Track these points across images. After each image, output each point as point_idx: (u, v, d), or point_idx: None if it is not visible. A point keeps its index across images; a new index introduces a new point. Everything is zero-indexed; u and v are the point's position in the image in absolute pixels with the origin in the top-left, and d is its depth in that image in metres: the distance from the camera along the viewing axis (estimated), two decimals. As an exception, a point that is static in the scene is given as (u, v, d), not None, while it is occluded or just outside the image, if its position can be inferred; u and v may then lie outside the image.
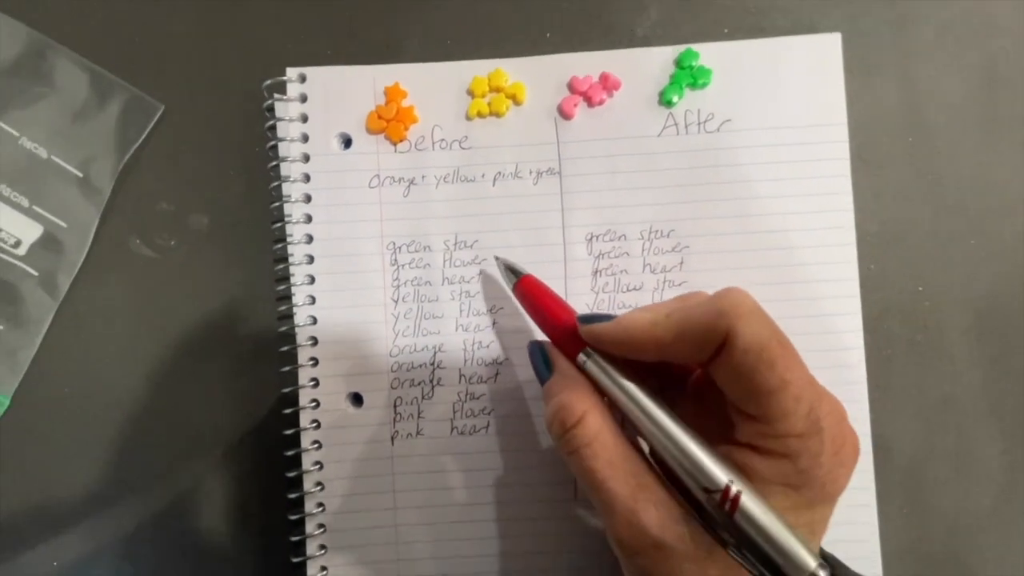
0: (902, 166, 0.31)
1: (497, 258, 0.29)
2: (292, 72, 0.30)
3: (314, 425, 0.30)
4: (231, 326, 0.31)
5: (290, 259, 0.30)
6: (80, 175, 0.31)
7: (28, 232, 0.31)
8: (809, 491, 0.20)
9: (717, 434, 0.22)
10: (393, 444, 0.30)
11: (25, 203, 0.31)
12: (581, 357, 0.24)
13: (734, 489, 0.20)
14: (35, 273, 0.31)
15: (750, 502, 0.19)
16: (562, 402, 0.22)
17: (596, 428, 0.22)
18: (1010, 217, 0.31)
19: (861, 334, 0.30)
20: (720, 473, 0.20)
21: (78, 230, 0.31)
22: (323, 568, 0.30)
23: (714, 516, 0.20)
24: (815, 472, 0.20)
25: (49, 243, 0.31)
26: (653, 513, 0.21)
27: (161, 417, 0.31)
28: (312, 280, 0.30)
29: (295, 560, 0.30)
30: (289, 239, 0.30)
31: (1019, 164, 0.31)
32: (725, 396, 0.21)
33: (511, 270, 0.28)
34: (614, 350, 0.23)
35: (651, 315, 0.22)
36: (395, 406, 0.30)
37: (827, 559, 0.21)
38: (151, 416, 0.31)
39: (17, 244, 0.31)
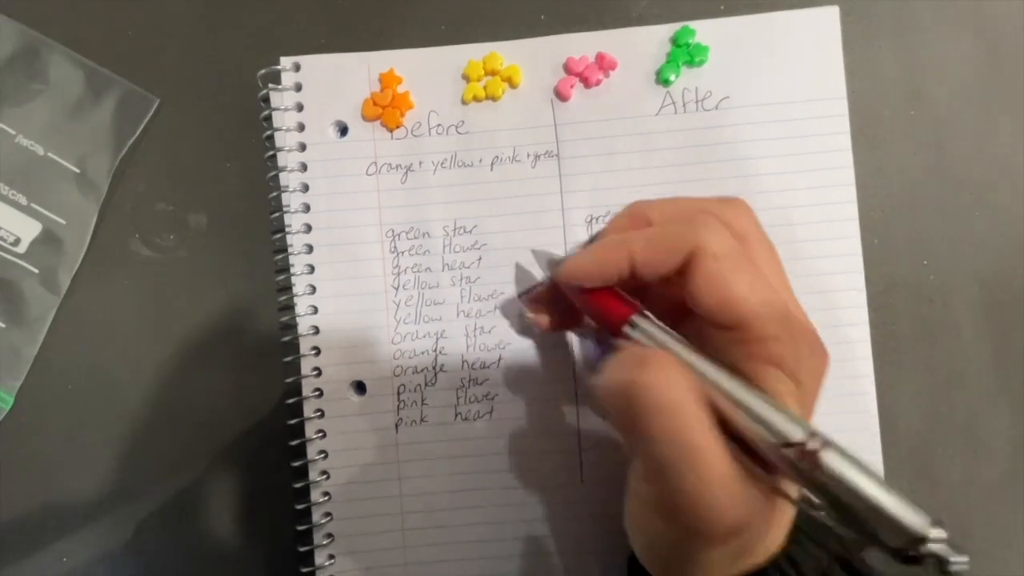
0: (904, 139, 0.31)
1: (535, 252, 0.29)
2: (286, 61, 0.30)
3: (318, 414, 0.30)
4: (233, 319, 0.31)
5: (289, 249, 0.30)
6: (77, 171, 0.31)
7: (27, 230, 0.31)
8: (801, 396, 0.20)
9: None
10: (397, 431, 0.30)
11: (23, 201, 0.31)
12: (626, 328, 0.22)
13: (817, 441, 0.17)
14: (35, 271, 0.31)
15: (835, 454, 0.17)
16: (641, 358, 0.20)
17: (686, 388, 0.19)
18: (1015, 188, 0.30)
19: (866, 310, 0.30)
20: (796, 424, 0.18)
21: (77, 226, 0.31)
22: (331, 557, 0.30)
23: (793, 473, 0.18)
24: (800, 377, 0.20)
25: (49, 240, 0.31)
26: (745, 478, 0.19)
27: (166, 411, 0.31)
28: (312, 270, 0.30)
29: (302, 549, 0.30)
30: (288, 229, 0.30)
31: (1019, 132, 0.30)
32: (695, 314, 0.21)
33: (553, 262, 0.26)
34: (588, 281, 0.22)
35: (619, 235, 0.22)
36: (398, 393, 0.30)
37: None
38: (156, 411, 0.31)
39: (16, 242, 0.31)
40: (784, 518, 0.21)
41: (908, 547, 0.16)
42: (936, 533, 0.16)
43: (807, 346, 0.20)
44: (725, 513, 0.18)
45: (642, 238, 0.21)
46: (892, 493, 0.17)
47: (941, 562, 0.15)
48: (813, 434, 0.18)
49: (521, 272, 0.30)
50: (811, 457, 0.17)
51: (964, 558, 0.15)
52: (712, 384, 0.20)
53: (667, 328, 0.21)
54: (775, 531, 0.21)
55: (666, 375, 0.19)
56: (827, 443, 0.18)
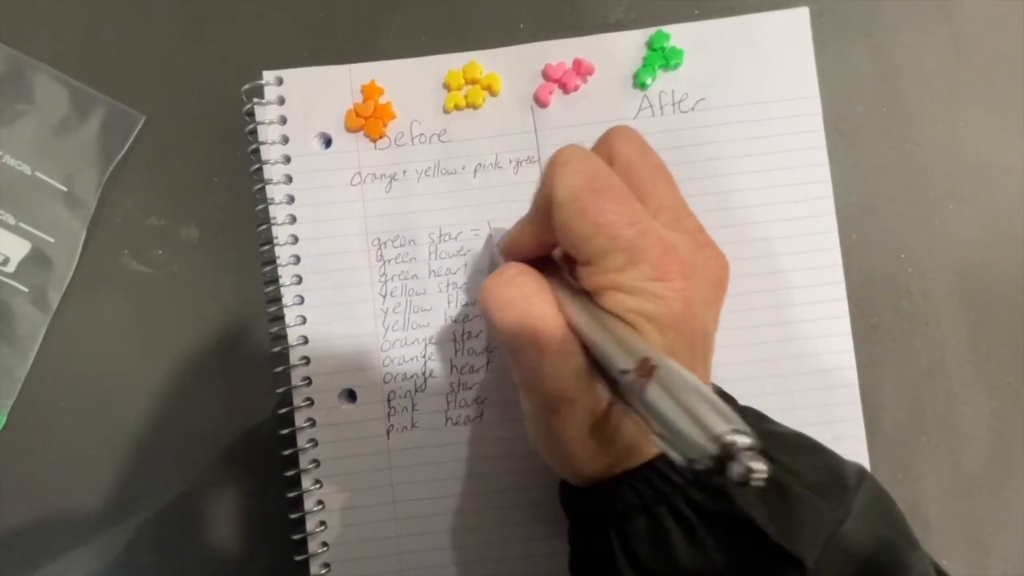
0: (878, 136, 0.31)
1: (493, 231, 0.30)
2: (269, 75, 0.31)
3: (309, 424, 0.30)
4: (224, 332, 0.31)
5: (277, 260, 0.30)
6: (65, 189, 0.32)
7: (16, 249, 0.32)
8: (674, 323, 0.21)
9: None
10: (389, 438, 0.30)
11: (11, 220, 0.32)
12: None
13: (648, 365, 0.18)
14: (25, 289, 0.32)
15: (655, 383, 0.18)
16: (506, 268, 0.23)
17: (538, 283, 0.23)
18: (986, 181, 0.31)
19: (846, 303, 0.30)
20: (628, 355, 0.19)
21: (66, 244, 0.32)
22: (326, 565, 0.30)
23: (629, 396, 0.19)
24: (654, 301, 0.20)
25: (38, 259, 0.32)
26: (581, 362, 0.21)
27: (159, 426, 0.31)
28: (300, 280, 0.30)
29: (298, 559, 0.30)
30: (275, 241, 0.30)
31: (990, 128, 0.31)
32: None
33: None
34: (519, 255, 0.25)
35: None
36: (389, 400, 0.30)
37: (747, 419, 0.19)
38: (149, 426, 0.31)
39: (5, 261, 0.31)
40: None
41: (710, 465, 0.15)
42: (720, 444, 0.15)
43: (656, 264, 0.21)
44: (560, 381, 0.21)
45: (529, 211, 0.24)
46: (698, 411, 0.16)
47: (747, 471, 0.14)
48: (645, 362, 0.18)
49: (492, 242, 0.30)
50: (640, 384, 0.18)
51: (763, 467, 0.14)
52: (573, 313, 0.22)
53: (554, 278, 0.24)
54: (641, 434, 0.21)
55: (508, 278, 0.22)
56: (652, 371, 0.18)
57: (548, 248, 0.25)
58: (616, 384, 0.20)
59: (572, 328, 0.22)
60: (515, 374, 0.23)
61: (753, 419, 0.23)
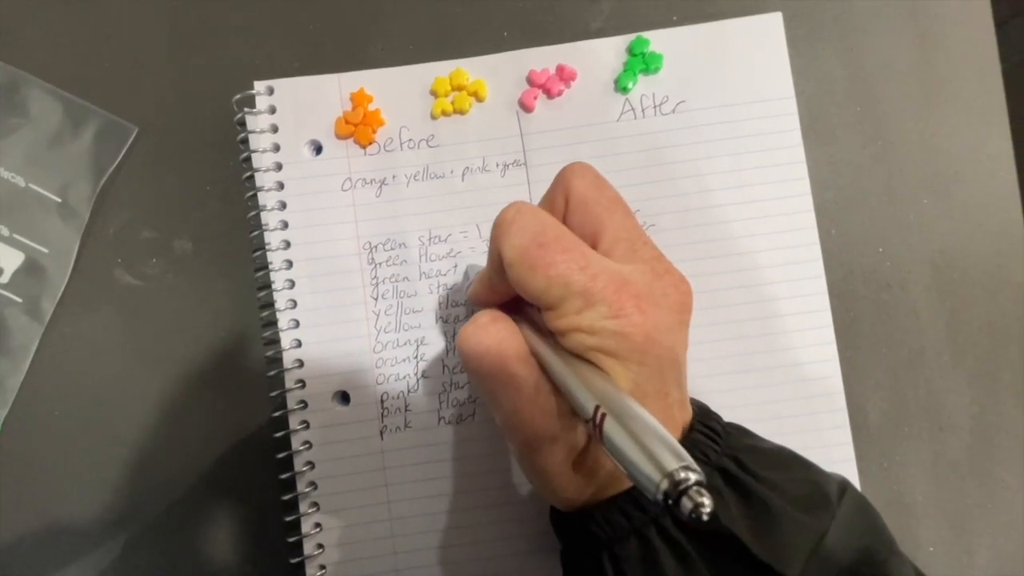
0: (852, 134, 0.32)
1: (469, 267, 0.31)
2: (260, 85, 0.31)
3: (303, 426, 0.30)
4: (217, 338, 0.32)
5: (269, 266, 0.31)
6: (59, 200, 0.32)
7: (9, 260, 0.32)
8: (637, 356, 0.21)
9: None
10: (383, 438, 0.31)
11: (5, 232, 0.32)
12: None
13: (600, 413, 0.19)
14: (19, 300, 0.32)
15: (613, 422, 0.19)
16: (480, 316, 0.24)
17: (510, 328, 0.24)
18: (957, 175, 0.32)
19: (827, 297, 0.31)
20: (590, 399, 0.20)
21: (60, 255, 0.32)
22: (321, 567, 0.30)
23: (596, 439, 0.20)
24: (613, 338, 0.21)
25: (31, 269, 0.32)
26: (555, 401, 0.22)
27: (153, 434, 0.31)
28: (292, 285, 0.31)
29: (293, 561, 0.30)
30: (267, 247, 0.31)
31: (960, 124, 0.32)
32: None
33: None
34: (487, 304, 0.26)
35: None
36: (382, 401, 0.31)
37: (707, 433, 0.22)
38: (143, 435, 0.31)
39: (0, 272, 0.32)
40: None
41: (663, 498, 0.16)
42: (671, 480, 0.16)
43: (611, 304, 0.21)
44: (537, 422, 0.22)
45: (488, 268, 0.25)
46: (651, 450, 0.17)
47: (695, 507, 0.15)
48: (597, 409, 0.19)
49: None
50: (596, 430, 0.19)
51: (707, 502, 0.15)
52: (545, 356, 0.23)
53: (524, 321, 0.25)
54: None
55: (482, 326, 0.23)
56: (603, 419, 0.19)
57: (510, 297, 0.26)
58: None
59: (544, 370, 0.23)
60: (496, 417, 0.24)
61: (737, 435, 0.24)
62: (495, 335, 0.23)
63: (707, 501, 0.15)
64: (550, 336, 0.23)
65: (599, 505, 0.23)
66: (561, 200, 0.24)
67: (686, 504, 0.16)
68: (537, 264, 0.22)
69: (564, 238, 0.22)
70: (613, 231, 0.24)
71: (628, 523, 0.22)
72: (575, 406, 0.21)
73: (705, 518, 0.15)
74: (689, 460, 0.16)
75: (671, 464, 0.16)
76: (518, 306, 0.26)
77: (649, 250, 0.24)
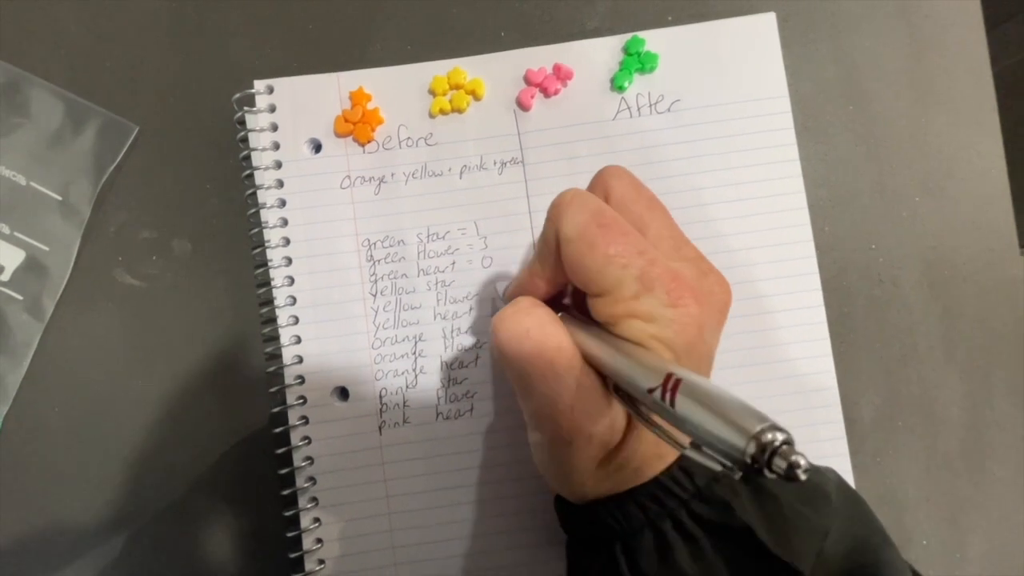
0: (845, 133, 0.33)
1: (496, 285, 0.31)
2: (260, 84, 0.32)
3: (303, 422, 0.31)
4: (216, 336, 0.32)
5: (269, 263, 0.31)
6: (59, 198, 0.32)
7: (11, 258, 0.32)
8: (686, 349, 0.21)
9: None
10: (381, 434, 0.31)
11: (6, 230, 0.32)
12: None
13: (673, 379, 0.18)
14: (20, 297, 0.32)
15: (689, 389, 0.18)
16: (520, 300, 0.24)
17: (552, 315, 0.23)
18: (948, 172, 0.33)
19: (821, 293, 0.31)
20: (650, 372, 0.20)
21: (61, 252, 0.32)
22: (321, 561, 0.30)
23: (660, 413, 0.20)
24: (671, 327, 0.21)
25: (32, 267, 0.32)
26: (597, 397, 0.22)
27: (153, 432, 0.31)
28: (291, 282, 0.31)
29: (292, 556, 0.30)
30: (267, 244, 0.31)
31: (952, 122, 0.33)
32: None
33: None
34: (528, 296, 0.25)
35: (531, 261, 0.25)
36: (381, 397, 0.31)
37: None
38: (143, 432, 0.31)
39: (0, 270, 0.32)
40: (656, 446, 0.23)
41: (750, 461, 0.15)
42: (757, 442, 0.15)
43: (670, 292, 0.21)
44: (574, 414, 0.21)
45: (535, 253, 0.24)
46: (730, 415, 0.17)
47: (790, 467, 0.15)
48: (669, 377, 0.19)
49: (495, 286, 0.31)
50: (668, 397, 0.18)
51: (804, 460, 0.15)
52: (589, 344, 0.22)
53: (565, 315, 0.25)
54: (648, 455, 0.23)
55: (524, 309, 0.23)
56: (678, 384, 0.18)
57: (559, 287, 0.25)
58: (637, 405, 0.21)
59: (586, 359, 0.22)
60: (525, 406, 0.23)
61: None
62: (537, 318, 0.22)
63: (803, 460, 0.15)
64: (595, 326, 0.23)
65: (614, 498, 0.23)
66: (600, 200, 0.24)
67: (779, 464, 0.15)
68: (597, 242, 0.21)
69: (621, 223, 0.22)
70: (656, 229, 0.24)
71: (644, 516, 0.22)
72: (630, 387, 0.20)
73: (803, 476, 0.15)
74: (773, 420, 0.16)
75: (755, 426, 0.16)
76: (555, 304, 0.25)
77: (692, 249, 0.24)
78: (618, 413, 0.22)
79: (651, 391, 0.19)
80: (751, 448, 0.15)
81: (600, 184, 0.25)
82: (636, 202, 0.24)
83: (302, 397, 0.31)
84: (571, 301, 0.26)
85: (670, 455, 0.23)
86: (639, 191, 0.25)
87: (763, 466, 0.15)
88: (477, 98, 0.32)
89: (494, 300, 0.31)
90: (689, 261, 0.24)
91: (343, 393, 0.31)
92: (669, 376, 0.18)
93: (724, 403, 0.17)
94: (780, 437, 0.15)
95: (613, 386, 0.22)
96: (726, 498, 0.21)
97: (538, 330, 0.22)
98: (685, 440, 0.19)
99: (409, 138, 0.32)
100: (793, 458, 0.15)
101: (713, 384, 0.18)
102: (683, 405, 0.18)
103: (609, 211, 0.23)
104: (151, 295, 0.32)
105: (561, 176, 0.32)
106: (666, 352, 0.21)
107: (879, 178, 0.33)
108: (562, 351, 0.22)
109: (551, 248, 0.23)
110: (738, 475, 0.16)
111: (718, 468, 0.17)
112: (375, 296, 0.31)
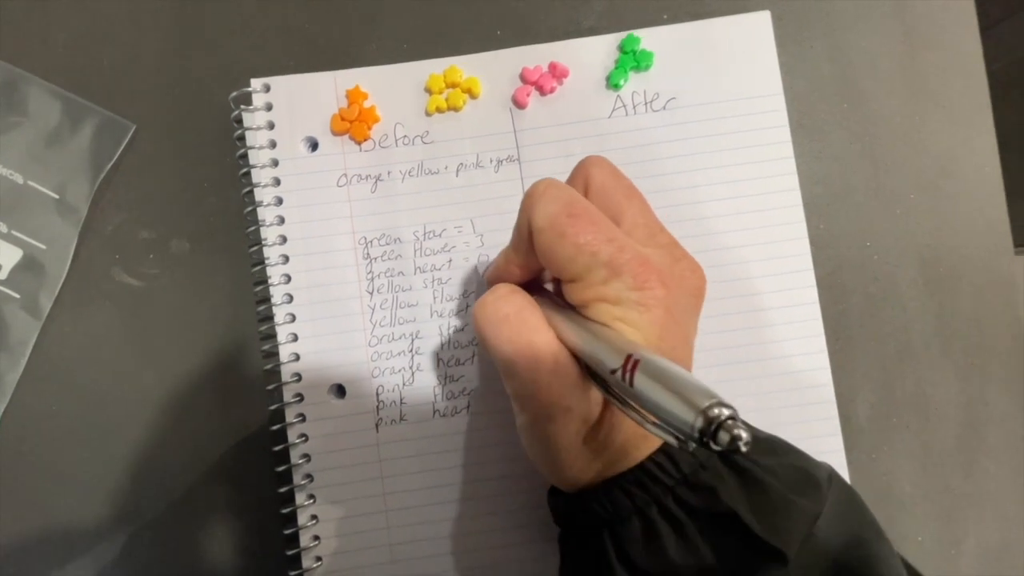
0: (839, 130, 0.33)
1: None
2: (256, 82, 0.32)
3: (299, 419, 0.31)
4: (213, 334, 0.32)
5: (266, 262, 0.31)
6: (57, 197, 0.32)
7: (8, 256, 0.32)
8: (656, 330, 0.22)
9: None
10: (378, 431, 0.31)
11: (3, 228, 0.32)
12: None
13: (632, 360, 0.19)
14: (17, 296, 0.32)
15: (645, 368, 0.19)
16: (498, 287, 0.25)
17: (529, 300, 0.24)
18: (942, 169, 0.33)
19: (816, 291, 0.31)
20: (616, 354, 0.20)
21: (58, 251, 0.32)
22: (318, 558, 0.30)
23: (622, 392, 0.21)
24: (636, 309, 0.22)
25: (30, 265, 0.32)
26: (573, 371, 0.22)
27: (150, 430, 0.31)
28: (288, 279, 0.31)
29: (290, 553, 0.30)
30: (264, 242, 0.31)
31: (944, 120, 0.33)
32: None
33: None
34: (502, 282, 0.26)
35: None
36: (377, 394, 0.31)
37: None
38: (140, 431, 0.31)
39: (-2, 268, 0.32)
40: (637, 431, 0.23)
41: (698, 435, 0.16)
42: (705, 416, 0.16)
43: (636, 276, 0.22)
44: (552, 390, 0.22)
45: (510, 241, 0.25)
46: (681, 391, 0.17)
47: (732, 439, 0.15)
48: (629, 358, 0.19)
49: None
50: (627, 378, 0.19)
51: (745, 433, 0.15)
52: (563, 327, 0.23)
53: (540, 296, 0.26)
54: (632, 433, 0.23)
55: (502, 295, 0.24)
56: (636, 364, 0.19)
57: (533, 273, 0.26)
58: (608, 385, 0.21)
59: (562, 340, 0.23)
60: (509, 387, 0.24)
61: None
62: (515, 304, 0.24)
63: (744, 433, 0.15)
64: (570, 309, 0.24)
65: (601, 485, 0.23)
66: (581, 188, 0.25)
67: (723, 437, 0.16)
68: (567, 232, 0.22)
69: (592, 212, 0.23)
70: (632, 216, 0.25)
71: (630, 503, 0.23)
72: (598, 368, 0.21)
73: (743, 449, 0.15)
74: (720, 397, 0.17)
75: (703, 402, 0.16)
76: (533, 288, 0.26)
77: (666, 236, 0.25)
78: (595, 388, 0.23)
79: (613, 372, 0.20)
80: (699, 422, 0.16)
81: (581, 173, 0.25)
82: (615, 190, 0.25)
83: (299, 395, 0.31)
84: (552, 287, 0.27)
85: (635, 448, 0.23)
86: (618, 180, 0.25)
87: (710, 439, 0.16)
88: (473, 96, 0.32)
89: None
90: (662, 248, 0.24)
91: (340, 391, 0.31)
92: (629, 357, 0.19)
93: (677, 381, 0.18)
94: (726, 412, 0.16)
95: (585, 367, 0.23)
96: (712, 484, 0.22)
97: (516, 315, 0.23)
98: (651, 417, 0.19)
99: (405, 136, 0.32)
100: (736, 431, 0.16)
101: (669, 364, 0.19)
102: (641, 383, 0.19)
103: (580, 201, 0.23)
104: (148, 293, 0.32)
105: (557, 174, 0.31)
106: (632, 333, 0.22)
107: (874, 176, 0.33)
108: (539, 333, 0.23)
109: (524, 237, 0.24)
110: (691, 447, 0.17)
111: (675, 442, 0.18)
112: (372, 294, 0.31)
